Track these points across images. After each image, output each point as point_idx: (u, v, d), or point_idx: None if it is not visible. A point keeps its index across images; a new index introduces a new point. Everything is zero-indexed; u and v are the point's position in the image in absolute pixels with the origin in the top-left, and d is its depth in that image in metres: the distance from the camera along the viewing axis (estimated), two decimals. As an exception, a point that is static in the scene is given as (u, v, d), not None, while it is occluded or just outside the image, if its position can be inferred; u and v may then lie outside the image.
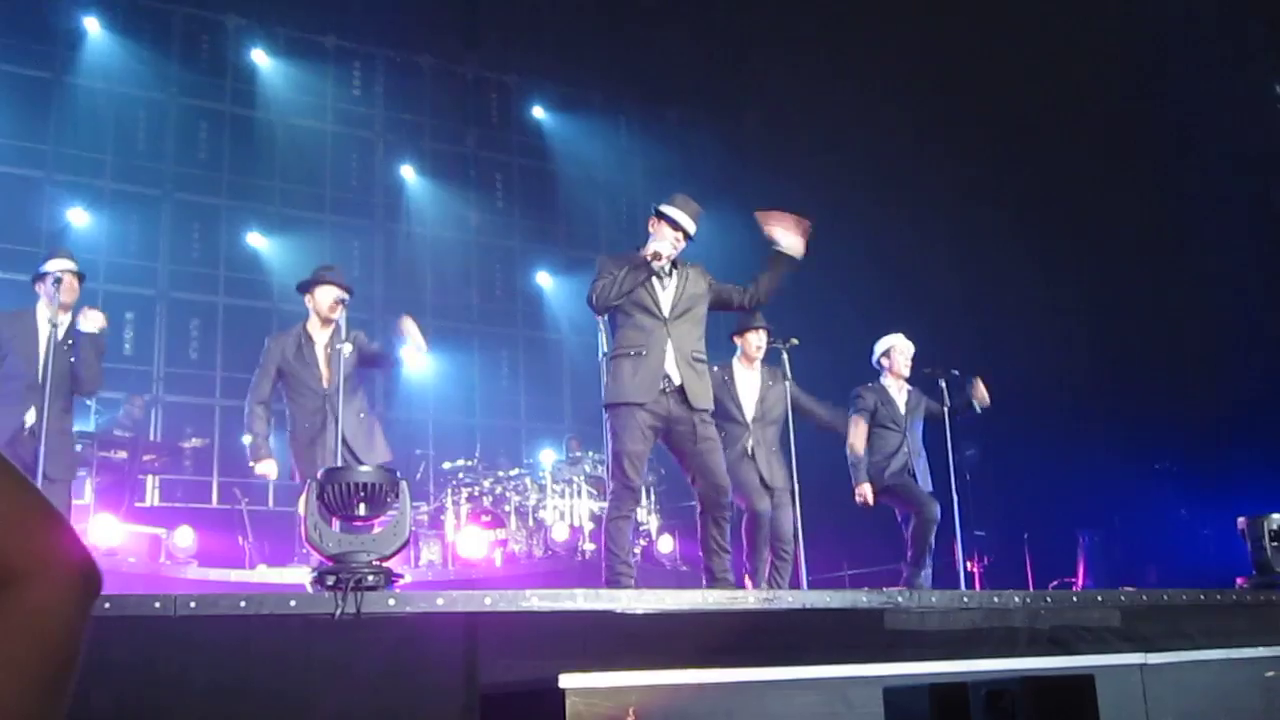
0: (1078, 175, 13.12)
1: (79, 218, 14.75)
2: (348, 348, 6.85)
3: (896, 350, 8.84)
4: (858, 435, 8.51)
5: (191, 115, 16.05)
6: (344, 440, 6.62)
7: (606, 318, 6.52)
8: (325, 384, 6.84)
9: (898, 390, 8.80)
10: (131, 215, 15.38)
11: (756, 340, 8.14)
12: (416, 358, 7.32)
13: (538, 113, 18.67)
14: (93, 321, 6.79)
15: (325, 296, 6.95)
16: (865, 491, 8.41)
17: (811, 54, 14.29)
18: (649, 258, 6.18)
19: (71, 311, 6.79)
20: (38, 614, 1.20)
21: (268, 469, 6.95)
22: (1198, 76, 12.38)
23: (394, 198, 17.34)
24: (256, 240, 15.90)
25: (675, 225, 6.32)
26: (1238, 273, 12.55)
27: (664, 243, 6.24)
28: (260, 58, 16.46)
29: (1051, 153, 13.21)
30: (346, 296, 7.01)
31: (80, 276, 6.86)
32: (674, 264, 6.34)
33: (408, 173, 17.38)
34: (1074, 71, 12.83)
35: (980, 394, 8.71)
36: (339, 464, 6.31)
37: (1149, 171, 12.99)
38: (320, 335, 6.99)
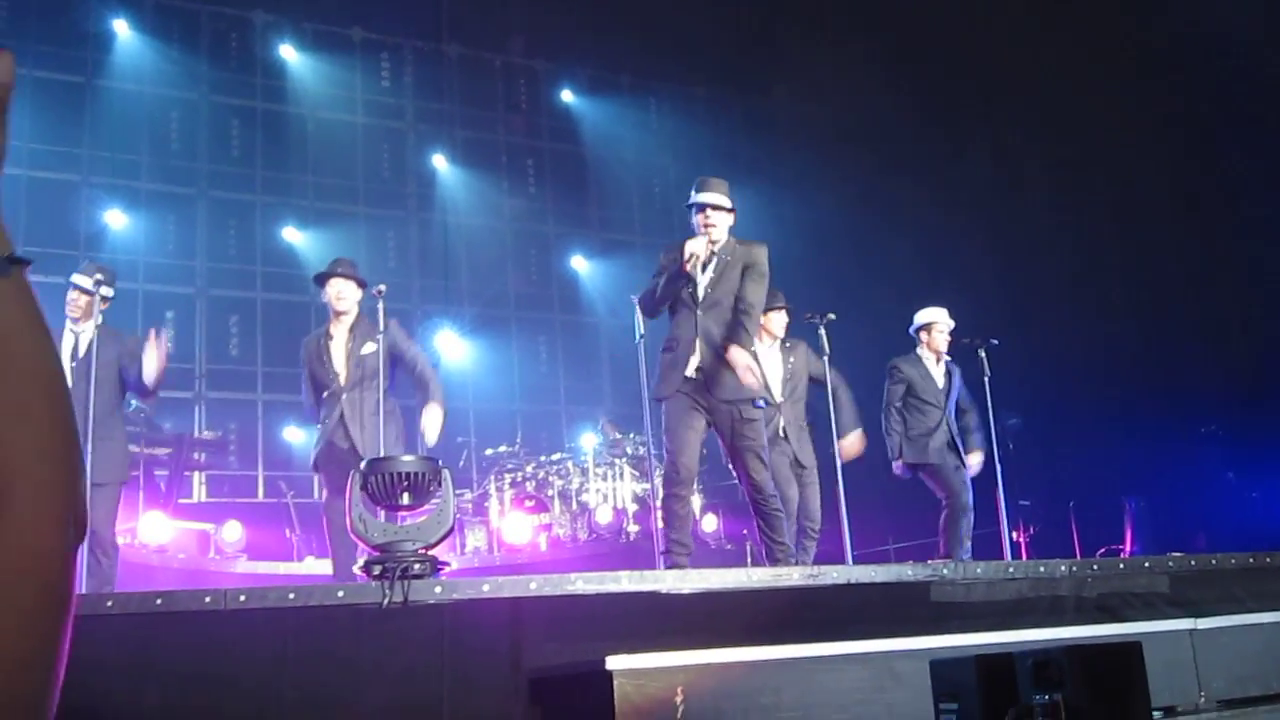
0: (1115, 141, 12.98)
1: (116, 219, 14.90)
2: (369, 346, 6.82)
3: (936, 326, 8.74)
4: (894, 409, 8.49)
5: (223, 113, 16.17)
6: (349, 435, 6.64)
7: None
8: (341, 380, 6.80)
9: (935, 365, 8.73)
10: (168, 215, 15.52)
11: (780, 320, 8.09)
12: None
13: (567, 97, 18.68)
14: (150, 370, 6.85)
15: (334, 290, 6.91)
16: (900, 467, 8.39)
17: (840, 29, 14.21)
18: (685, 262, 6.17)
19: (94, 324, 6.83)
20: (35, 544, 1.19)
21: None
22: (1237, 36, 12.20)
23: (426, 187, 17.41)
24: (292, 235, 16.01)
25: (703, 209, 6.31)
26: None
27: (698, 241, 6.23)
28: (289, 53, 16.55)
29: (1089, 120, 13.08)
30: (383, 288, 6.92)
31: (88, 294, 6.87)
32: (735, 248, 6.33)
33: (439, 162, 17.44)
34: (1108, 38, 12.70)
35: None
36: (355, 456, 6.41)
37: (1188, 136, 12.84)
38: (338, 330, 6.92)
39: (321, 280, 7.01)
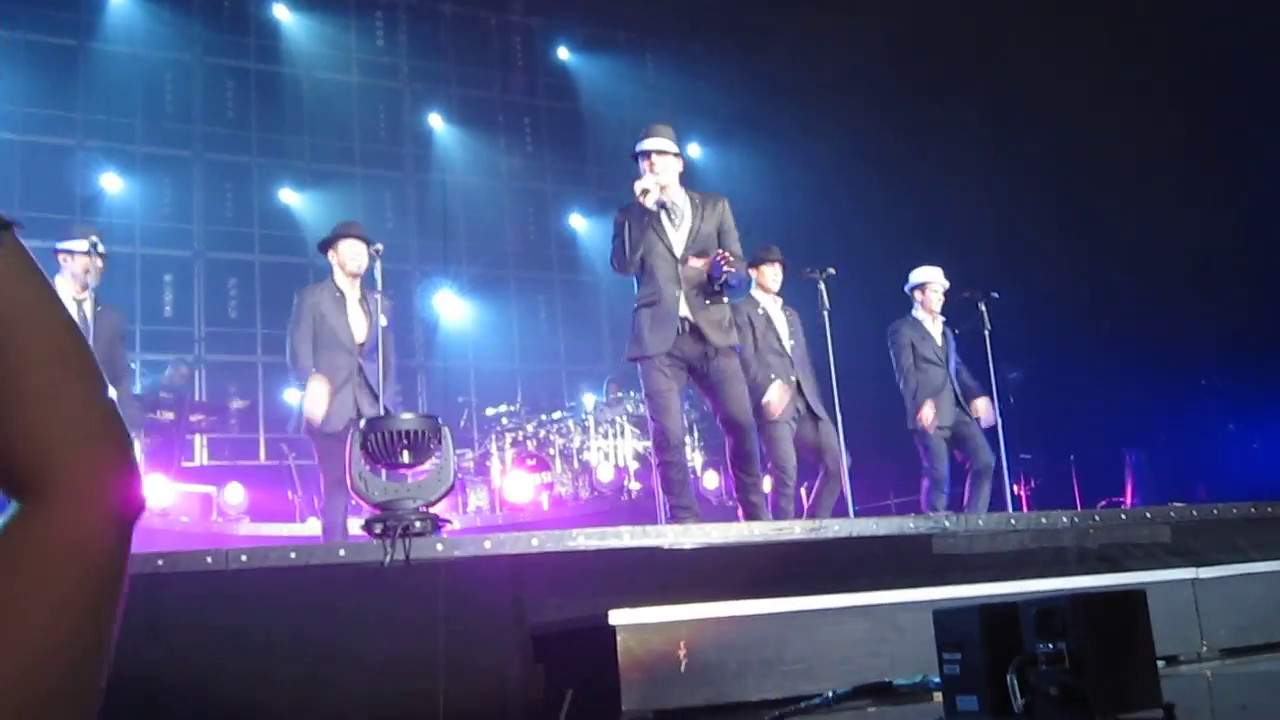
0: (1109, 88, 12.91)
1: (112, 183, 14.83)
2: (383, 319, 6.82)
3: (931, 285, 8.74)
4: (908, 371, 8.52)
5: (217, 74, 16.06)
6: (371, 393, 6.65)
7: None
8: (358, 341, 6.80)
9: (932, 324, 8.73)
10: (164, 178, 15.44)
11: (773, 273, 8.04)
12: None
13: (563, 54, 18.56)
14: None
15: (350, 251, 6.87)
16: (927, 413, 8.36)
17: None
18: (640, 198, 6.17)
19: (92, 293, 6.80)
20: (73, 531, 1.12)
21: (318, 384, 6.73)
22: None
23: (423, 147, 17.32)
24: (289, 196, 15.93)
25: (648, 155, 6.33)
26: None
27: (645, 178, 6.24)
28: (282, 13, 16.42)
29: (1084, 72, 12.99)
30: (380, 247, 6.92)
31: (88, 256, 6.83)
32: (696, 199, 6.35)
33: (436, 121, 17.34)
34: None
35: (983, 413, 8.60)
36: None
37: (1183, 83, 12.75)
38: (351, 292, 6.91)
39: (331, 242, 6.96)
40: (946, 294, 8.78)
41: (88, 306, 6.75)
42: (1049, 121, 13.21)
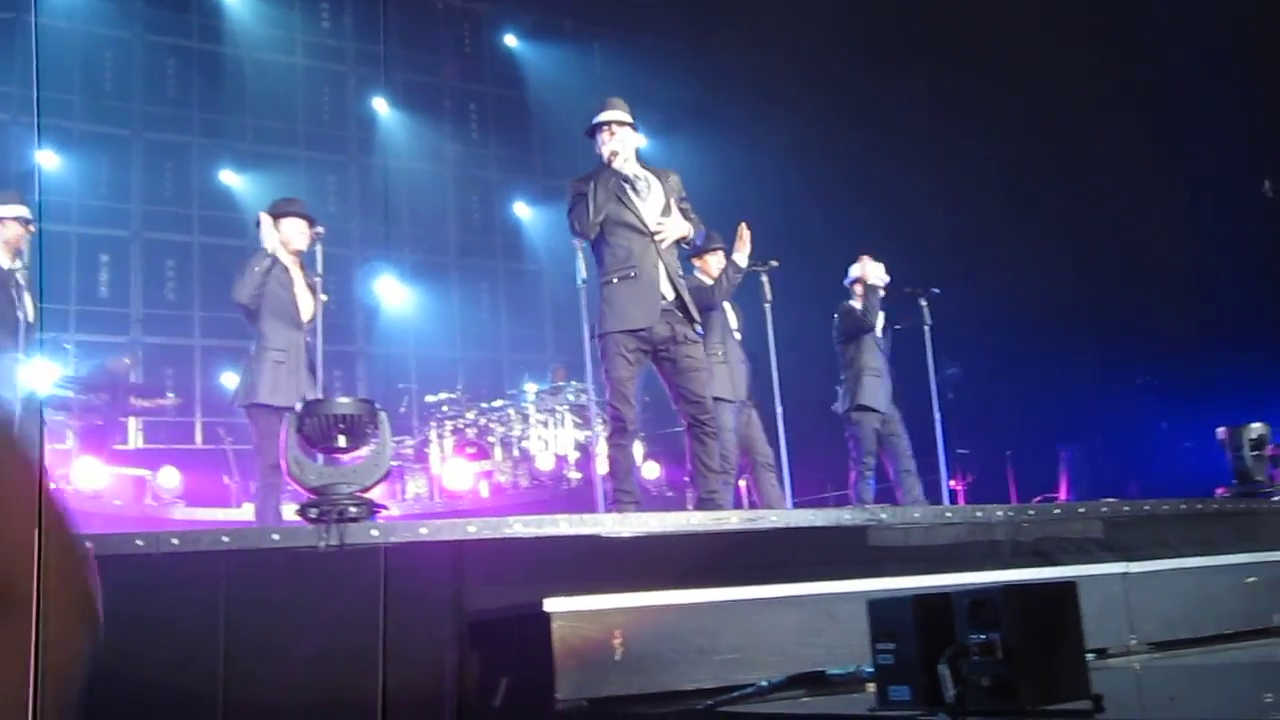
0: (1057, 91, 13.05)
1: (48, 160, 14.57)
2: (323, 296, 6.77)
3: (870, 277, 8.78)
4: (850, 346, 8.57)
5: (159, 53, 15.85)
6: (313, 374, 6.57)
7: (588, 244, 6.39)
8: (305, 318, 6.72)
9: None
10: (101, 156, 15.22)
11: (717, 262, 8.02)
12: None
13: (510, 41, 18.48)
14: None
15: (292, 229, 6.79)
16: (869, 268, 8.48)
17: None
18: (608, 160, 6.10)
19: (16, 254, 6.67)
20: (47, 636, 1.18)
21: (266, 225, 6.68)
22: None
23: (367, 131, 17.20)
24: (229, 178, 15.74)
25: (607, 125, 6.23)
26: (1218, 185, 12.54)
27: (614, 142, 6.16)
28: (225, -9, 16.23)
29: (1031, 72, 13.12)
30: (322, 230, 6.85)
31: (25, 222, 6.71)
32: (652, 174, 6.24)
33: (380, 105, 17.23)
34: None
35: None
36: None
37: (1129, 88, 12.92)
38: (294, 268, 6.83)
39: (274, 220, 6.84)
40: (888, 288, 8.82)
41: (21, 276, 6.59)
42: (997, 119, 13.33)
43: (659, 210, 6.12)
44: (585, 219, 6.05)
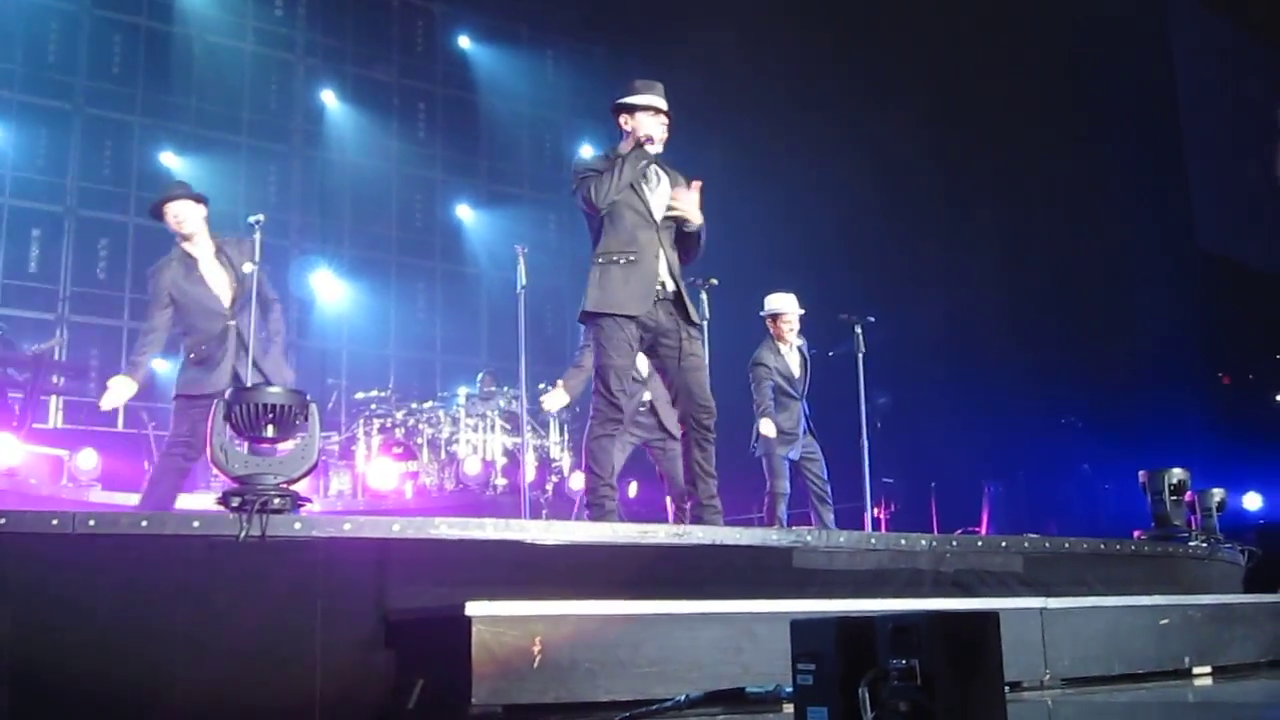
0: (993, 131, 13.24)
1: (-15, 129, 14.31)
2: (249, 266, 6.54)
3: (784, 316, 8.67)
4: (765, 409, 8.43)
5: (105, 28, 15.58)
6: (254, 363, 6.40)
7: (586, 223, 5.98)
8: (227, 304, 6.54)
9: (789, 352, 8.74)
10: (40, 129, 14.94)
11: None
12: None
13: (464, 43, 18.41)
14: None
15: (172, 214, 6.58)
16: (766, 428, 8.39)
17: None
18: (643, 141, 5.85)
19: None
20: None
21: (117, 386, 6.48)
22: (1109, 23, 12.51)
23: (313, 123, 17.04)
24: (170, 160, 15.51)
25: (649, 109, 5.93)
26: (1145, 232, 12.78)
27: (653, 127, 5.90)
28: (178, -29, 16.03)
29: (970, 104, 13.30)
30: (261, 218, 6.66)
31: None
32: (659, 167, 6.01)
33: (329, 98, 17.08)
34: (996, 22, 12.93)
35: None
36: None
37: (1067, 133, 13.14)
38: (201, 254, 6.63)
39: (158, 208, 6.67)
40: (805, 318, 8.78)
41: None
42: (932, 153, 13.49)
43: (663, 206, 5.89)
44: (606, 189, 5.70)
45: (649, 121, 5.92)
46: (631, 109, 5.94)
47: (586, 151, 18.45)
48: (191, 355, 6.55)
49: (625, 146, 5.93)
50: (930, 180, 13.52)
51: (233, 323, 6.49)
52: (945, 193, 13.52)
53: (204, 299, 6.50)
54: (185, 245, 6.60)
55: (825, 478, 8.65)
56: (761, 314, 8.78)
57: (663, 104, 5.97)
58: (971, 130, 13.30)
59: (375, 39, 17.71)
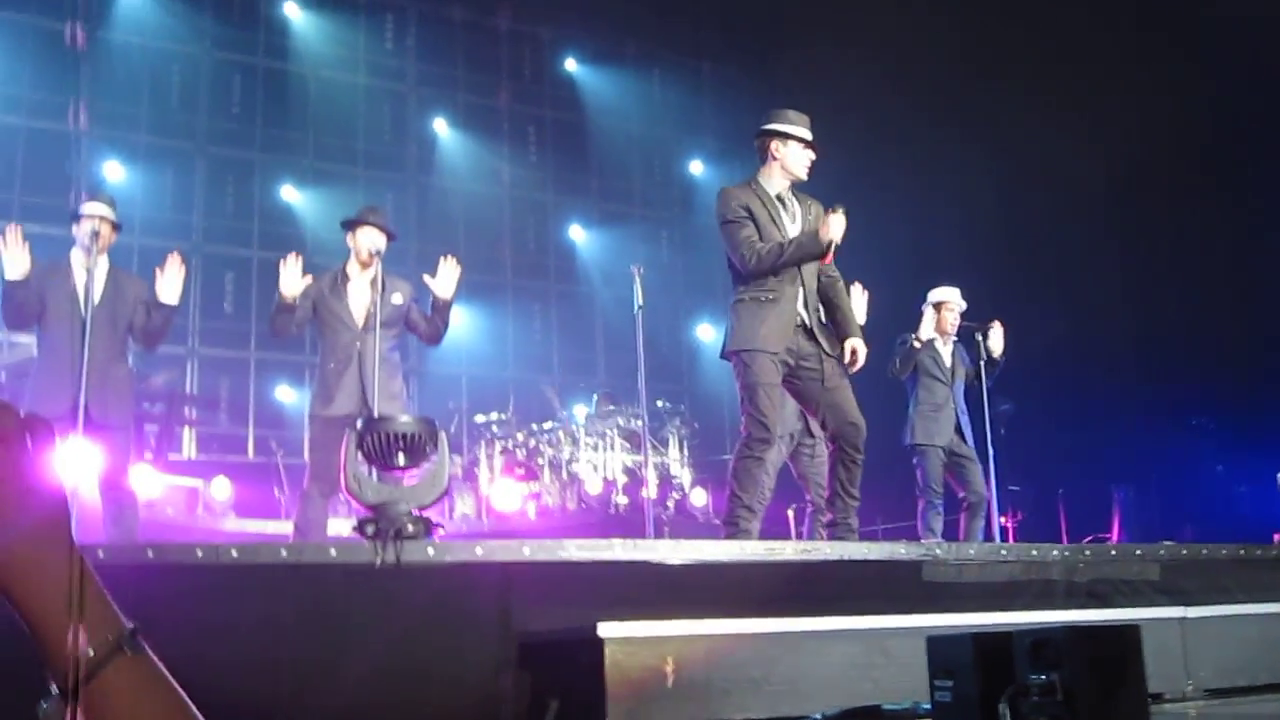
0: (1109, 125, 12.96)
1: (114, 172, 14.80)
2: (399, 296, 6.75)
3: (948, 304, 8.72)
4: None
5: (224, 69, 16.05)
6: (363, 380, 6.48)
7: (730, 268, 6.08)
8: (359, 321, 6.67)
9: (942, 344, 8.72)
10: (166, 169, 15.42)
11: None
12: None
13: (570, 65, 18.57)
14: (171, 291, 6.72)
15: (364, 239, 6.79)
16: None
17: (845, 8, 14.14)
18: (801, 174, 6.01)
19: (108, 256, 6.70)
20: None
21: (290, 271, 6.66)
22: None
23: (427, 151, 17.33)
24: (290, 194, 15.92)
25: (801, 140, 6.00)
26: (1275, 220, 12.40)
27: (802, 161, 5.99)
28: (292, 10, 16.44)
29: (1088, 103, 13.05)
30: (382, 244, 6.81)
31: (115, 226, 6.73)
32: (796, 195, 6.07)
33: (440, 126, 17.35)
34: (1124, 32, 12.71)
35: (995, 341, 8.56)
36: (364, 405, 6.29)
37: (1190, 123, 12.81)
38: (358, 276, 6.80)
39: (351, 225, 6.86)
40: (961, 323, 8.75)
41: (99, 273, 6.50)
42: (1053, 157, 13.22)
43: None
44: (767, 266, 5.81)
45: (799, 154, 6.00)
46: (786, 137, 5.99)
47: (696, 168, 18.59)
48: (324, 371, 6.69)
49: (767, 174, 6.00)
50: (1050, 180, 13.28)
51: (358, 345, 6.60)
52: (1068, 192, 13.27)
53: (340, 312, 6.65)
54: (348, 266, 6.79)
55: (977, 485, 8.45)
56: (923, 305, 8.72)
57: (809, 135, 6.03)
58: (1088, 124, 13.01)
59: (484, 66, 17.96)
